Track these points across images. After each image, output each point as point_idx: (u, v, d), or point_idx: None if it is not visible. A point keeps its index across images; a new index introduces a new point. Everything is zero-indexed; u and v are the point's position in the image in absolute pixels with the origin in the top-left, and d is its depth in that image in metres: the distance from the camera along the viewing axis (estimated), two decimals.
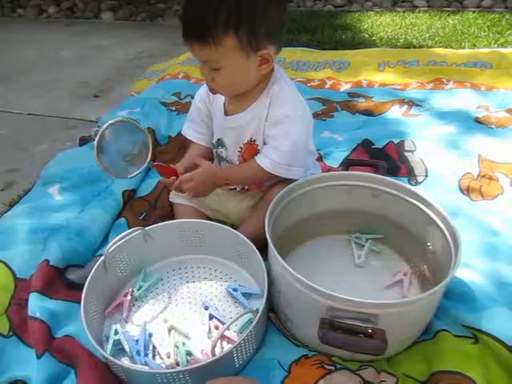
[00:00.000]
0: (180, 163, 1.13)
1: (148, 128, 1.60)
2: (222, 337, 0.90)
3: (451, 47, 2.23)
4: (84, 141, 1.54)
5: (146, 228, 1.06)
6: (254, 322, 0.84)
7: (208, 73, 0.96)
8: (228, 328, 0.88)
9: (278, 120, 0.99)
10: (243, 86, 1.00)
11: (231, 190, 1.18)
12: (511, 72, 1.86)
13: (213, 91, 1.03)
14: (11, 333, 0.97)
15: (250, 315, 0.92)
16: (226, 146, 1.12)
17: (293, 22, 2.67)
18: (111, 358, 0.83)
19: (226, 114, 1.09)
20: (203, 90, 1.14)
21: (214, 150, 1.17)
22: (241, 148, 1.09)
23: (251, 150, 1.07)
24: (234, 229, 1.07)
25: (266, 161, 1.01)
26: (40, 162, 1.54)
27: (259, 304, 0.91)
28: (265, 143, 1.04)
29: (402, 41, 2.38)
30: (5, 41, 3.19)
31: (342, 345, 0.76)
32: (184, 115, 1.74)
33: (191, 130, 1.20)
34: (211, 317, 0.96)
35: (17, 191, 1.50)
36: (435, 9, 2.79)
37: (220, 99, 1.10)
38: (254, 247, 0.97)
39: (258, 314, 0.86)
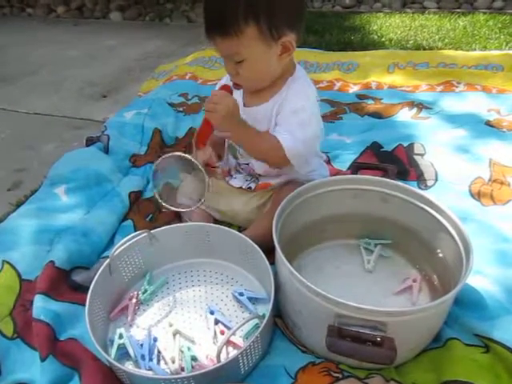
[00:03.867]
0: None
1: (155, 128, 1.59)
2: (228, 342, 0.89)
3: (461, 49, 2.20)
4: (91, 141, 1.54)
5: (152, 231, 1.05)
6: (261, 328, 0.83)
7: (232, 67, 0.97)
8: (234, 333, 0.87)
9: (295, 110, 0.99)
10: (267, 77, 1.01)
11: (238, 188, 1.17)
12: None
13: (237, 86, 1.03)
14: (15, 335, 0.96)
15: (256, 321, 0.91)
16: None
17: None
18: (115, 363, 0.82)
19: (245, 105, 1.09)
20: (224, 80, 1.14)
21: (228, 142, 1.17)
22: None
23: None
24: (241, 231, 1.05)
25: (288, 138, 0.98)
26: (47, 162, 1.53)
27: (266, 309, 0.90)
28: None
29: (411, 42, 2.36)
30: (13, 40, 3.21)
31: (349, 353, 0.75)
32: (191, 116, 1.75)
33: None
34: (217, 321, 0.95)
35: (24, 191, 1.50)
36: (445, 10, 2.76)
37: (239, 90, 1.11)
38: (261, 251, 0.95)
39: (265, 320, 0.84)
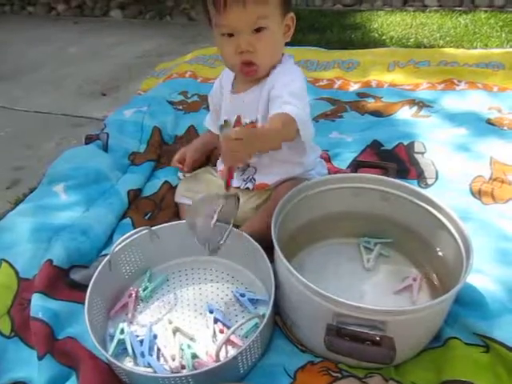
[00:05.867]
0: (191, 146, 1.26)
1: (154, 127, 1.59)
2: (227, 341, 0.88)
3: (463, 47, 2.20)
4: (90, 139, 1.53)
5: (152, 227, 1.05)
6: (260, 328, 0.82)
7: (248, 42, 0.95)
8: (233, 332, 0.86)
9: (286, 83, 0.99)
10: (277, 55, 1.03)
11: (236, 188, 1.16)
12: None
13: (249, 71, 1.01)
14: (13, 333, 0.96)
15: (256, 320, 0.90)
16: (232, 126, 1.11)
17: (302, 21, 2.64)
18: (113, 361, 0.82)
19: (233, 92, 1.11)
20: (223, 72, 1.18)
21: (220, 134, 1.16)
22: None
23: None
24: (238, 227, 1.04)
25: (289, 108, 0.93)
26: (46, 160, 1.53)
27: (265, 308, 0.89)
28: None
29: (412, 40, 2.35)
30: (13, 38, 3.20)
31: (348, 353, 0.74)
32: (191, 114, 1.74)
33: (209, 117, 1.29)
34: (216, 320, 0.95)
35: (22, 189, 1.49)
36: (446, 8, 2.75)
37: (229, 83, 1.13)
38: (262, 250, 0.94)
39: (265, 320, 0.84)
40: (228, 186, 0.95)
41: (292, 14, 1.01)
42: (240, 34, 0.95)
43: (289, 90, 0.97)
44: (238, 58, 0.99)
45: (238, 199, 0.96)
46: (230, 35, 0.96)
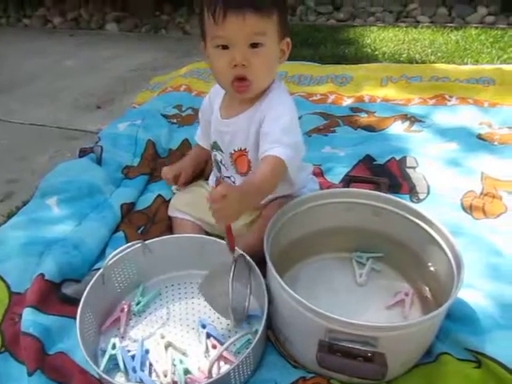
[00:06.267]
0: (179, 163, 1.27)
1: (148, 140, 1.59)
2: (220, 357, 0.88)
3: (454, 63, 2.23)
4: (84, 152, 1.53)
5: (146, 241, 1.05)
6: (253, 344, 0.82)
7: (244, 56, 0.92)
8: (226, 348, 0.86)
9: (277, 117, 0.98)
10: (270, 76, 1.01)
11: None
12: None
13: (241, 86, 0.97)
14: (3, 348, 0.95)
15: (248, 336, 0.90)
16: (221, 149, 1.12)
17: (296, 36, 2.67)
18: (105, 376, 0.82)
19: (222, 117, 1.09)
20: (212, 90, 1.17)
21: (212, 153, 1.18)
22: (231, 154, 1.09)
23: (242, 159, 1.07)
24: None
25: (280, 150, 0.92)
26: (40, 172, 1.53)
27: (258, 324, 0.89)
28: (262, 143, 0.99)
29: (404, 56, 2.38)
30: (9, 50, 3.21)
31: (340, 369, 0.74)
32: (185, 128, 1.75)
33: (200, 132, 1.29)
34: (208, 335, 0.94)
35: (16, 202, 1.49)
36: (438, 24, 2.79)
37: (218, 100, 1.11)
38: (255, 265, 0.94)
39: (257, 336, 0.84)
40: (232, 249, 0.92)
41: (288, 40, 0.99)
42: (235, 47, 0.92)
43: (280, 127, 0.96)
44: (232, 72, 0.95)
45: (245, 257, 0.95)
46: (225, 48, 0.93)
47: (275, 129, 0.96)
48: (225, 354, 0.88)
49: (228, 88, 1.01)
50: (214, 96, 1.14)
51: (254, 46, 0.92)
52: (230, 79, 0.96)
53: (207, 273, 0.97)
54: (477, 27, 2.67)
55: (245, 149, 1.06)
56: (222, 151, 1.12)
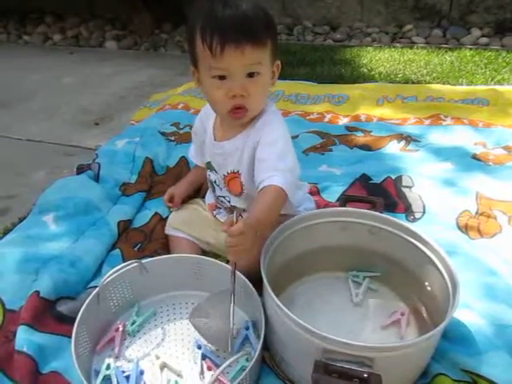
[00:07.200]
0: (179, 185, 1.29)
1: (146, 157, 1.60)
2: (215, 380, 0.87)
3: (449, 83, 2.26)
4: (82, 169, 1.54)
5: (143, 261, 1.05)
6: (249, 367, 0.81)
7: (242, 86, 0.94)
8: (222, 371, 0.86)
9: (271, 141, 0.99)
10: (265, 101, 1.03)
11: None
12: (508, 109, 1.87)
13: (238, 113, 0.99)
14: None
15: (245, 357, 0.89)
16: (215, 169, 1.13)
17: (293, 56, 2.71)
18: None
19: (215, 139, 1.10)
20: (202, 111, 1.18)
21: (207, 173, 1.19)
22: (224, 176, 1.10)
23: (235, 182, 1.08)
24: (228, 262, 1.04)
25: (279, 179, 0.93)
26: (37, 188, 1.52)
27: (251, 346, 0.89)
28: (257, 170, 1.00)
29: (400, 76, 2.41)
30: (9, 67, 3.23)
31: None
32: (182, 145, 1.76)
33: (193, 150, 1.30)
34: (204, 356, 0.94)
35: (12, 218, 1.48)
36: (433, 45, 2.83)
37: (210, 122, 1.13)
38: (252, 286, 0.94)
39: (254, 359, 0.83)
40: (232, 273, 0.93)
41: (278, 62, 1.02)
42: (233, 77, 0.93)
43: (276, 152, 0.97)
44: (230, 102, 0.96)
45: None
46: (222, 78, 0.94)
47: (271, 155, 0.97)
48: (220, 377, 0.86)
49: (225, 116, 1.02)
50: (206, 117, 1.16)
51: (251, 75, 0.94)
52: (228, 109, 0.98)
53: (206, 299, 0.97)
54: (471, 48, 2.72)
55: (237, 171, 1.07)
56: (216, 171, 1.13)
